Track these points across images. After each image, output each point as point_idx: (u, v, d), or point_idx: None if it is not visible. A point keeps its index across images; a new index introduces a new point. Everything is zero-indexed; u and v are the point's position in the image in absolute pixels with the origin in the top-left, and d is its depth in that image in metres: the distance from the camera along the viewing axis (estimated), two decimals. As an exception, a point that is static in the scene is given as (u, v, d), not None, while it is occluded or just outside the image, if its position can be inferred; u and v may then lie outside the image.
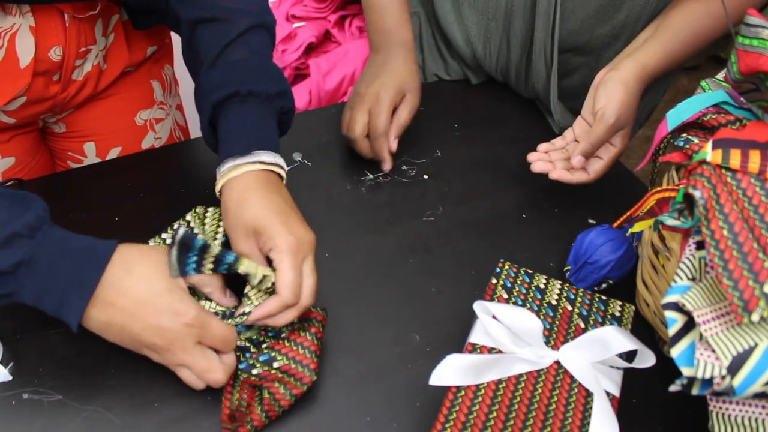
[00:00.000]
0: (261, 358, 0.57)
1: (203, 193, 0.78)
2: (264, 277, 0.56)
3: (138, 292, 0.52)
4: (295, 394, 0.55)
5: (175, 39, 0.97)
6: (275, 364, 0.56)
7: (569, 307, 0.59)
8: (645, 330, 0.66)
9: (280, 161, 0.63)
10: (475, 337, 0.56)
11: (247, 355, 0.57)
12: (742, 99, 0.58)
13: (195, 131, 1.06)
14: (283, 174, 0.63)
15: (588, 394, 0.53)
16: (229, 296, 0.59)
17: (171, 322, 0.52)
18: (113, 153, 0.90)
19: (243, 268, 0.56)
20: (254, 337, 0.58)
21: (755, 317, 0.40)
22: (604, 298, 0.61)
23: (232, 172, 0.60)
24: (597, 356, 0.54)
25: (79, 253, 0.51)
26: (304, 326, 0.58)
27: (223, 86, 0.63)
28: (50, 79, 0.75)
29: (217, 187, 0.62)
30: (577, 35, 0.87)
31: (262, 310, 0.55)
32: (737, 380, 0.41)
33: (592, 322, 0.58)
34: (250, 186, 0.59)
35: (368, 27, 0.91)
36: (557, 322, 0.58)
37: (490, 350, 0.55)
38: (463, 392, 0.51)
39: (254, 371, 0.56)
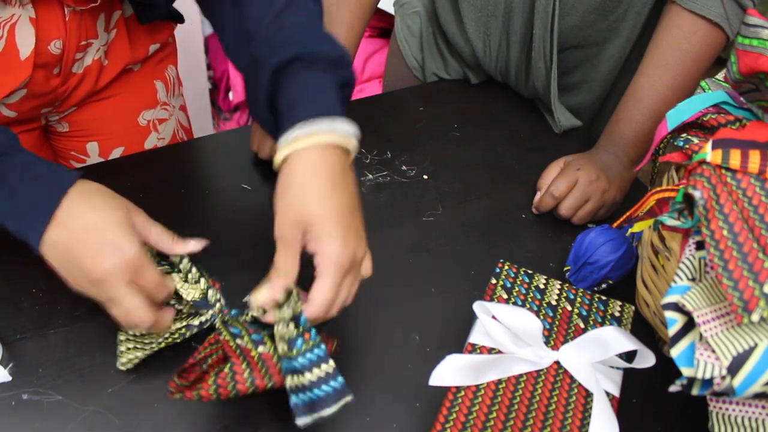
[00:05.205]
0: (254, 336, 0.54)
1: (203, 193, 0.79)
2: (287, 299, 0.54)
3: (89, 219, 0.52)
4: (257, 384, 0.51)
5: (179, 39, 0.97)
6: (259, 348, 0.52)
7: (569, 308, 0.59)
8: (645, 330, 0.66)
9: (355, 130, 0.56)
10: (475, 337, 0.56)
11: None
12: (741, 99, 0.58)
13: (198, 131, 1.06)
14: (353, 147, 0.57)
15: (588, 395, 0.53)
16: (176, 241, 0.58)
17: (111, 254, 0.52)
18: (116, 153, 0.90)
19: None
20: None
21: (755, 317, 0.40)
22: (603, 298, 0.61)
23: (302, 141, 0.54)
24: (597, 356, 0.54)
25: (41, 180, 0.53)
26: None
27: (284, 49, 0.57)
28: (50, 72, 0.75)
29: (280, 155, 0.55)
30: (577, 31, 0.87)
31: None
32: (737, 380, 0.41)
33: (591, 323, 0.58)
34: (318, 170, 0.53)
35: None
36: (557, 323, 0.58)
37: (490, 350, 0.55)
38: (462, 392, 0.51)
39: (238, 341, 0.53)
